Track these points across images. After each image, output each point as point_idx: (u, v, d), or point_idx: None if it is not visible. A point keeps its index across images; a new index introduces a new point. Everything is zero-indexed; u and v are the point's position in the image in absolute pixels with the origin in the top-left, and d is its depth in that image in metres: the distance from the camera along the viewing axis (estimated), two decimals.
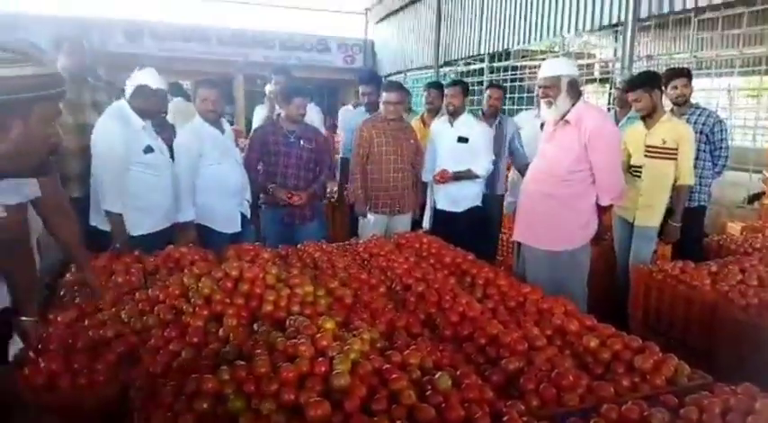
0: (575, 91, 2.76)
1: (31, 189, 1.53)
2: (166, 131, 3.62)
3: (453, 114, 4.07)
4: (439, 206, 4.12)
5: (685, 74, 3.80)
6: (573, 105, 2.74)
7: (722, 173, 3.90)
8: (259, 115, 4.65)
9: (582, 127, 2.68)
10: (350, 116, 4.96)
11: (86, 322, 1.94)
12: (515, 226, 3.10)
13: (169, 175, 3.11)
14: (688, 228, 3.56)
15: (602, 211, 2.87)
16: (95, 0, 11.92)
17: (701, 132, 3.68)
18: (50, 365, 1.63)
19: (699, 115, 3.74)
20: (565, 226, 2.81)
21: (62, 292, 2.28)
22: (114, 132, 2.88)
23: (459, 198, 4.06)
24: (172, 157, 3.20)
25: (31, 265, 1.68)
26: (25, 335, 1.70)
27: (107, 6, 11.99)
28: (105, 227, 2.98)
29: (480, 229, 4.42)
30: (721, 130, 3.73)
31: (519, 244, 3.06)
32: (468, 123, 4.06)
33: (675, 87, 3.75)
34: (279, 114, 3.71)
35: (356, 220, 3.99)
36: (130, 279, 2.41)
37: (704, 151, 3.73)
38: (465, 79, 9.28)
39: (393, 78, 12.20)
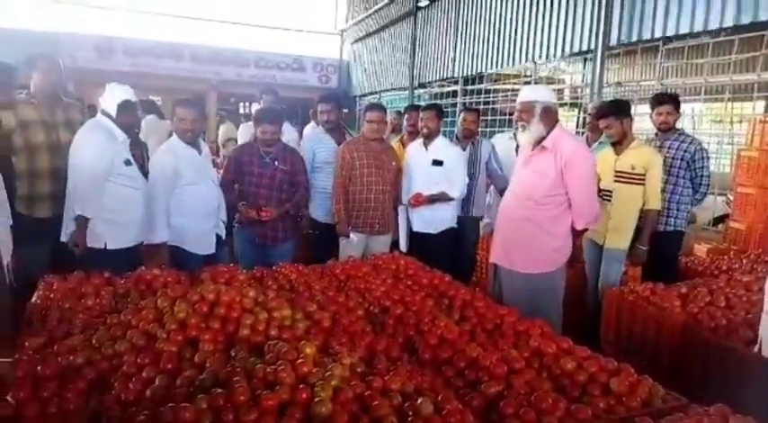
0: (549, 117, 2.81)
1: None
2: (139, 149, 3.58)
3: (428, 137, 4.11)
4: (415, 228, 4.14)
5: (671, 101, 3.81)
6: (547, 131, 2.80)
7: (703, 200, 3.93)
8: (244, 134, 4.59)
9: (558, 152, 2.73)
10: (310, 134, 4.91)
11: (55, 348, 1.87)
12: (492, 248, 3.13)
13: (143, 191, 3.08)
14: (665, 251, 3.64)
15: (577, 234, 2.92)
16: (67, 15, 11.75)
17: (681, 159, 3.72)
18: (17, 394, 1.56)
19: (681, 142, 3.76)
20: (540, 249, 2.85)
21: (29, 316, 2.20)
22: (99, 142, 2.93)
23: (434, 220, 4.08)
24: (144, 175, 3.16)
25: (3, 295, 1.56)
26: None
27: (79, 21, 11.84)
28: None
29: (456, 251, 4.46)
30: (702, 158, 3.74)
31: (495, 266, 3.09)
32: (442, 146, 4.11)
33: (660, 113, 3.78)
34: (256, 136, 3.69)
35: (326, 242, 3.95)
36: (101, 302, 2.34)
37: (683, 177, 3.75)
38: (438, 101, 9.44)
39: (367, 99, 12.32)
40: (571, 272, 3.60)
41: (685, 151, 3.74)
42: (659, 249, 3.65)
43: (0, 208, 1.47)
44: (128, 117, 3.02)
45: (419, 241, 4.10)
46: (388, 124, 4.15)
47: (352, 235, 3.82)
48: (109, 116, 2.99)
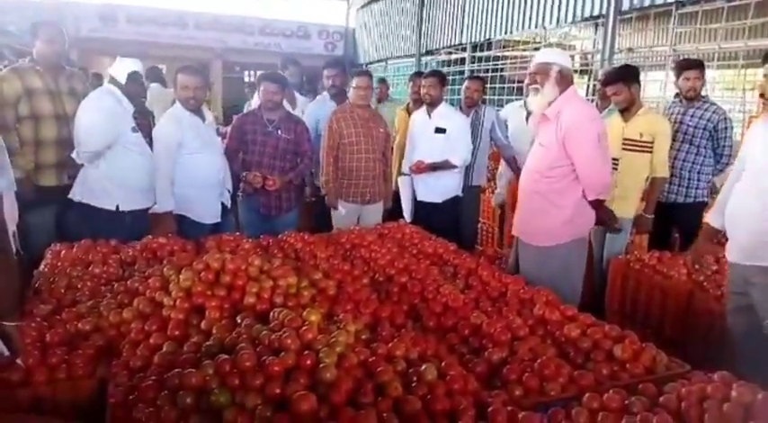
0: (564, 82, 2.66)
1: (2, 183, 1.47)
2: (146, 118, 3.56)
3: (431, 105, 4.06)
4: (419, 197, 4.12)
5: (698, 65, 3.67)
6: (556, 98, 2.70)
7: (725, 170, 3.79)
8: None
9: (559, 122, 2.61)
10: (314, 101, 4.81)
11: (63, 315, 1.90)
12: (513, 220, 3.07)
13: (150, 158, 3.13)
14: (688, 223, 3.60)
15: (593, 205, 2.76)
16: None
17: (704, 128, 3.61)
18: (26, 360, 1.59)
19: (705, 110, 3.64)
20: (549, 222, 2.75)
21: (37, 283, 2.22)
22: (108, 107, 2.98)
23: (439, 189, 4.06)
24: (150, 144, 3.15)
25: (10, 263, 1.57)
26: (8, 340, 1.52)
27: None
28: (91, 201, 3.04)
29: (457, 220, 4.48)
30: (726, 128, 3.62)
31: (517, 239, 3.04)
32: (445, 114, 4.06)
33: (687, 79, 3.63)
34: (260, 103, 3.65)
35: (327, 211, 3.97)
36: (108, 270, 2.36)
37: (705, 147, 3.64)
38: (446, 69, 9.29)
39: (374, 67, 12.15)
40: None
41: (708, 120, 3.61)
42: (682, 222, 3.61)
43: (2, 174, 1.46)
44: (135, 87, 3.08)
45: (424, 210, 4.09)
46: (373, 90, 4.10)
47: (340, 206, 3.82)
48: (118, 85, 3.04)
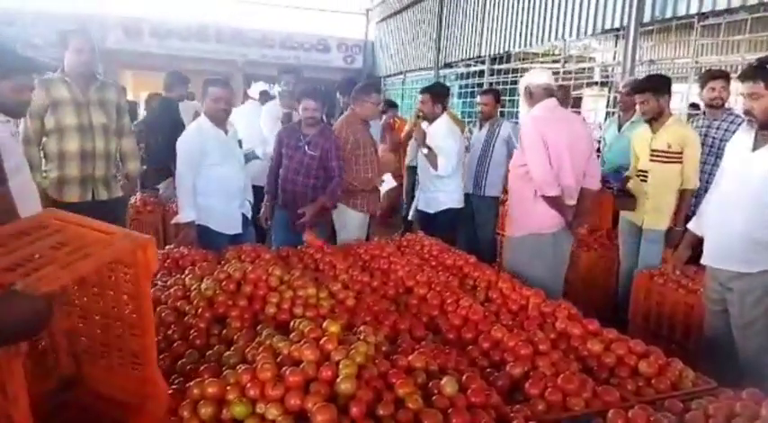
0: (531, 97, 3.02)
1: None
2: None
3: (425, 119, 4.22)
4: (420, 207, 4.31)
5: (723, 76, 3.68)
6: None
7: None
8: (271, 114, 4.44)
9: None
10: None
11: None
12: None
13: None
14: None
15: (546, 202, 2.93)
16: None
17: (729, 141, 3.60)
18: None
19: (731, 123, 3.61)
20: (515, 215, 3.14)
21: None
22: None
23: (431, 201, 4.20)
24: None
25: None
26: None
27: (105, 2, 11.89)
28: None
29: (471, 231, 4.59)
30: None
31: None
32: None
33: (713, 89, 3.64)
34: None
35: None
36: None
37: None
38: (465, 81, 9.29)
39: (392, 80, 12.21)
40: (597, 254, 3.58)
41: (734, 133, 3.57)
42: None
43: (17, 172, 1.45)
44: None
45: (421, 220, 4.31)
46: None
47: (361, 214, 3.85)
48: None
